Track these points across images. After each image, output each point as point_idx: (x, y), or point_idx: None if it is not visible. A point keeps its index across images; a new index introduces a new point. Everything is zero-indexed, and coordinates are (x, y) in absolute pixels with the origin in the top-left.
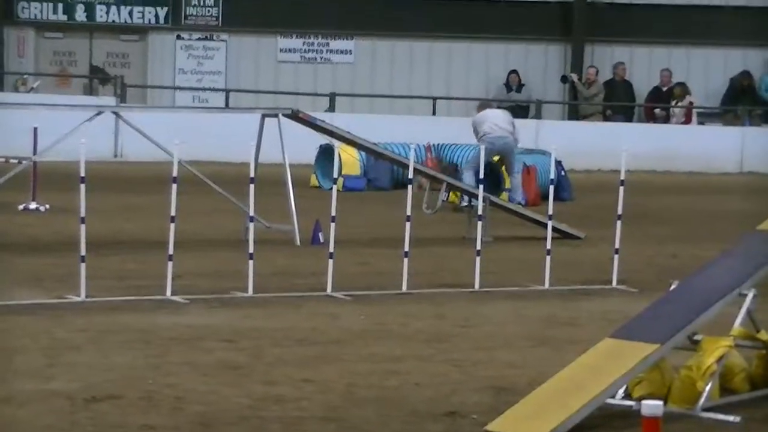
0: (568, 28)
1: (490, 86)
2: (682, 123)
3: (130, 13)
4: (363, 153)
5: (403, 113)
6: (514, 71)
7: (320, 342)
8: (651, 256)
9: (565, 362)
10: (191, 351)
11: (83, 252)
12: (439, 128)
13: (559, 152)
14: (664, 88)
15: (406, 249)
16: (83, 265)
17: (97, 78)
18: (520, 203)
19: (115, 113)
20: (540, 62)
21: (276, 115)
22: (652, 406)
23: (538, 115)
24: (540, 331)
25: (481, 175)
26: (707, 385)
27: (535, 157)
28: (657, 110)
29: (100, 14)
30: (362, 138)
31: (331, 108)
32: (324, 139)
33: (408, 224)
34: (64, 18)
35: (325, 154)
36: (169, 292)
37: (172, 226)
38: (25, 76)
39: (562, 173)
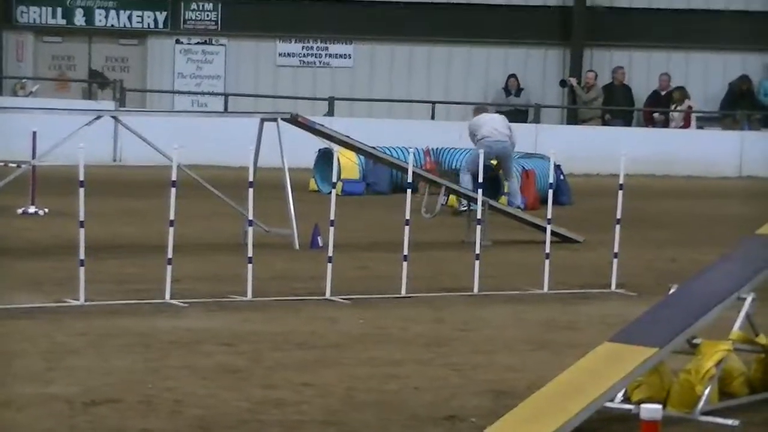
0: (568, 32)
1: (489, 90)
2: (681, 127)
3: (129, 18)
4: (362, 157)
5: (402, 117)
6: (513, 75)
7: (319, 346)
8: (650, 260)
9: (564, 366)
10: (190, 355)
11: (82, 256)
12: (438, 132)
13: (558, 156)
14: (663, 93)
15: (405, 253)
16: (82, 269)
17: (96, 82)
18: (519, 207)
19: (114, 117)
20: (539, 66)
21: (275, 120)
22: (651, 410)
23: (537, 120)
24: (539, 334)
25: (481, 179)
26: (706, 388)
27: (534, 161)
28: (656, 114)
29: (99, 18)
30: (361, 142)
31: (330, 112)
32: (323, 144)
33: (407, 228)
34: (63, 22)
35: (324, 158)
36: (168, 296)
37: (171, 229)
38: (24, 81)
39: (561, 177)
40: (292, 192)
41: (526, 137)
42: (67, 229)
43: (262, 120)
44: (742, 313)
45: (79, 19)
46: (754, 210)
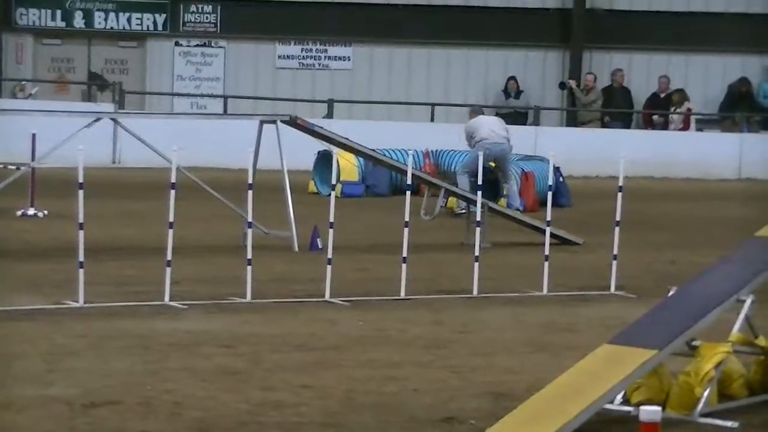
0: (567, 34)
1: (489, 93)
2: (681, 129)
3: (129, 20)
4: (361, 159)
5: (402, 119)
6: (512, 78)
7: (319, 348)
8: (649, 263)
9: (563, 368)
10: (190, 357)
11: (81, 258)
12: (438, 134)
13: (558, 158)
14: (663, 95)
15: (405, 255)
16: (81, 271)
17: (96, 84)
18: (518, 209)
19: (114, 119)
20: (538, 69)
21: (274, 122)
22: (650, 412)
23: (536, 122)
24: (538, 336)
25: (479, 181)
26: (705, 390)
27: (533, 163)
28: (655, 117)
29: (99, 21)
30: (360, 144)
31: (330, 114)
32: (322, 146)
33: (406, 230)
34: (63, 24)
35: (324, 160)
36: (167, 298)
37: (171, 232)
38: (23, 83)
39: (561, 179)
40: (291, 194)
41: (525, 139)
42: (67, 231)
43: (262, 122)
44: (742, 315)
45: (78, 22)
46: (754, 212)
